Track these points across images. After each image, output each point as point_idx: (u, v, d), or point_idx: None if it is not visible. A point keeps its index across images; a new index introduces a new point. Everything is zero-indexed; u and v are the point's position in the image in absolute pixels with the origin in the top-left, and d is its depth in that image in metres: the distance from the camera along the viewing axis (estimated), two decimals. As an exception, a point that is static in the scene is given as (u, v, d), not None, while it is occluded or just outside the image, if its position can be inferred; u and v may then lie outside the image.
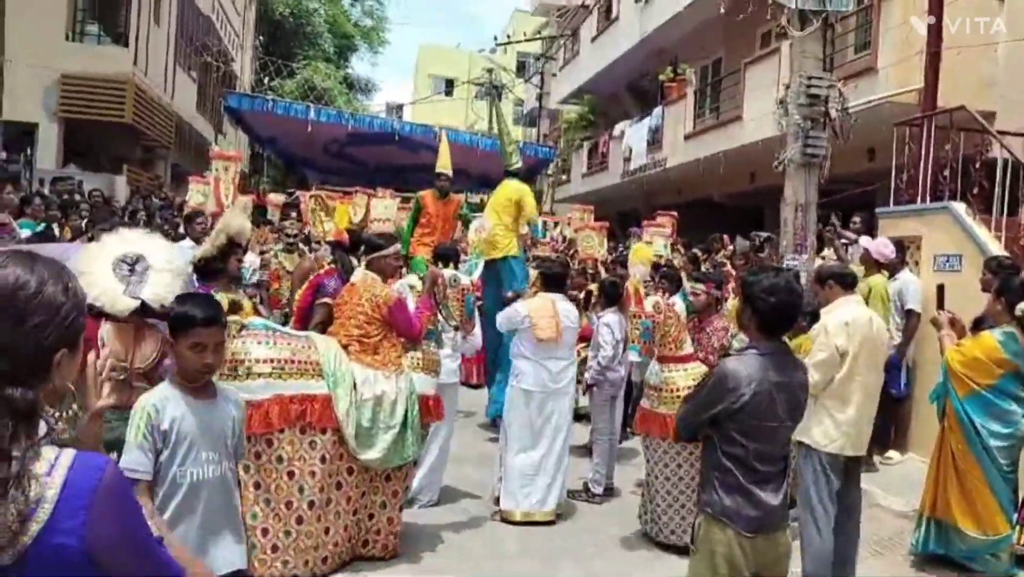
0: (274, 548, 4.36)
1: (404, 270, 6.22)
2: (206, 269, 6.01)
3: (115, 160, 16.96)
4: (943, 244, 7.29)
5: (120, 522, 1.30)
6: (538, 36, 29.26)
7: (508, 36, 32.61)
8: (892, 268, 7.16)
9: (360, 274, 5.05)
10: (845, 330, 4.41)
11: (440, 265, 5.84)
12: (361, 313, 4.77)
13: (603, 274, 8.39)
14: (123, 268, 3.32)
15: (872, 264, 7.09)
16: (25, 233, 7.85)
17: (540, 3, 29.11)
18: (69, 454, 1.30)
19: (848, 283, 4.73)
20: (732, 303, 6.42)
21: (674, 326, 5.21)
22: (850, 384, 4.44)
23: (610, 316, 6.47)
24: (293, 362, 4.46)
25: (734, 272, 8.57)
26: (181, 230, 8.37)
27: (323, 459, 4.48)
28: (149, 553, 1.34)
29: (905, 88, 9.50)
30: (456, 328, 5.46)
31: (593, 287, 8.02)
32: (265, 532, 4.35)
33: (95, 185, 13.80)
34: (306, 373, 4.48)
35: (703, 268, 9.09)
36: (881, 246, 7.12)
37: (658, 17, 17.39)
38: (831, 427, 4.42)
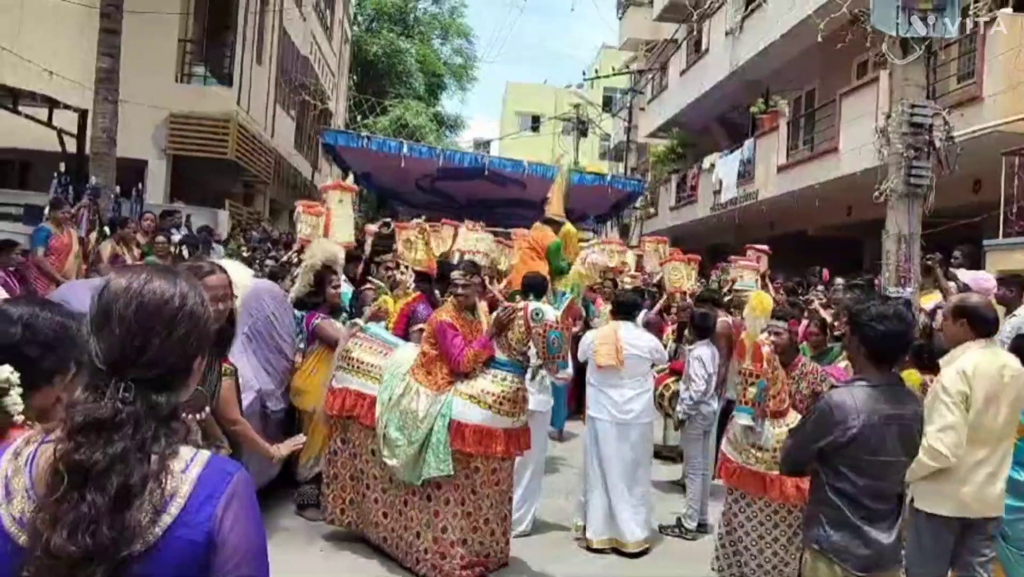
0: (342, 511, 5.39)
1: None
2: (305, 304, 6.30)
3: (218, 195, 17.68)
4: (1058, 278, 6.93)
5: (244, 524, 1.36)
6: (626, 71, 29.31)
7: (596, 71, 32.82)
8: (1008, 304, 6.76)
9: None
10: (963, 381, 3.68)
11: (531, 297, 5.50)
12: (427, 335, 5.14)
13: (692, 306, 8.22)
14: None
15: None
16: None
17: (628, 38, 29.18)
18: (204, 455, 1.39)
19: (983, 326, 3.89)
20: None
21: (780, 379, 4.66)
22: (972, 442, 3.69)
23: (702, 349, 6.37)
24: (363, 363, 5.29)
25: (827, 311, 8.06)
26: (282, 259, 8.56)
27: (373, 452, 5.16)
28: (263, 558, 1.40)
29: (1014, 117, 9.14)
30: (540, 366, 5.07)
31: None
32: (337, 498, 5.40)
33: (200, 218, 14.43)
34: (370, 375, 5.22)
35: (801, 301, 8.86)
36: (980, 280, 6.79)
37: (749, 49, 17.24)
38: (940, 486, 3.72)
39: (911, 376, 5.74)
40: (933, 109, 6.65)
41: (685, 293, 9.38)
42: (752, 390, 4.49)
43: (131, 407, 1.31)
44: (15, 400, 1.66)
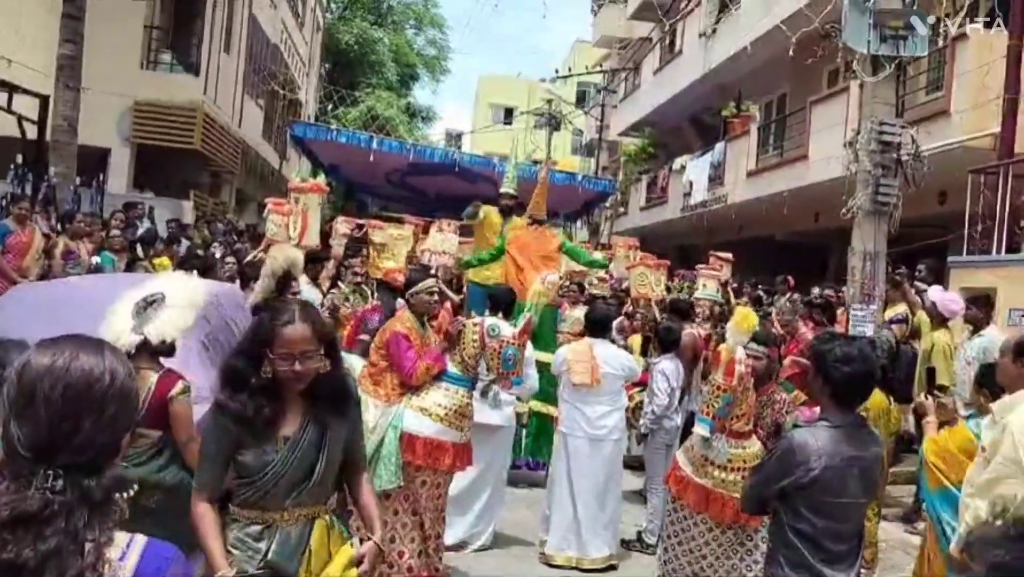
0: None
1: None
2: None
3: (183, 185, 17.38)
4: (1019, 298, 7.00)
5: None
6: (599, 69, 29.32)
7: (569, 68, 32.80)
8: (977, 323, 6.79)
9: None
10: None
11: (499, 314, 5.42)
12: (377, 345, 5.02)
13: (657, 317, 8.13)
14: (140, 305, 3.41)
15: (937, 318, 6.81)
16: (108, 268, 8.07)
17: (602, 36, 29.14)
18: (140, 541, 1.32)
19: None
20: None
21: (748, 400, 4.56)
22: None
23: (666, 363, 6.34)
24: None
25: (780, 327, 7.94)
26: (247, 258, 8.39)
27: None
28: None
29: (980, 133, 9.22)
30: (493, 381, 5.07)
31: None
32: None
33: (163, 209, 14.16)
34: None
35: (767, 311, 8.84)
36: (949, 301, 6.84)
37: (722, 52, 17.29)
38: None
39: (874, 397, 5.75)
40: (901, 127, 6.67)
41: (650, 301, 8.98)
42: (717, 403, 4.45)
43: (62, 496, 1.23)
44: None
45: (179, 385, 3.40)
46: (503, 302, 5.66)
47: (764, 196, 14.73)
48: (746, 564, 4.54)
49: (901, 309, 7.78)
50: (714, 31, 18.01)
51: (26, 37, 14.42)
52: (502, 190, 8.65)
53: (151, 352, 3.40)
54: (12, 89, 12.57)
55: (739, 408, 4.50)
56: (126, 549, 1.29)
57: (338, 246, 9.37)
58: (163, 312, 3.42)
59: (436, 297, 5.20)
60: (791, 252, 16.06)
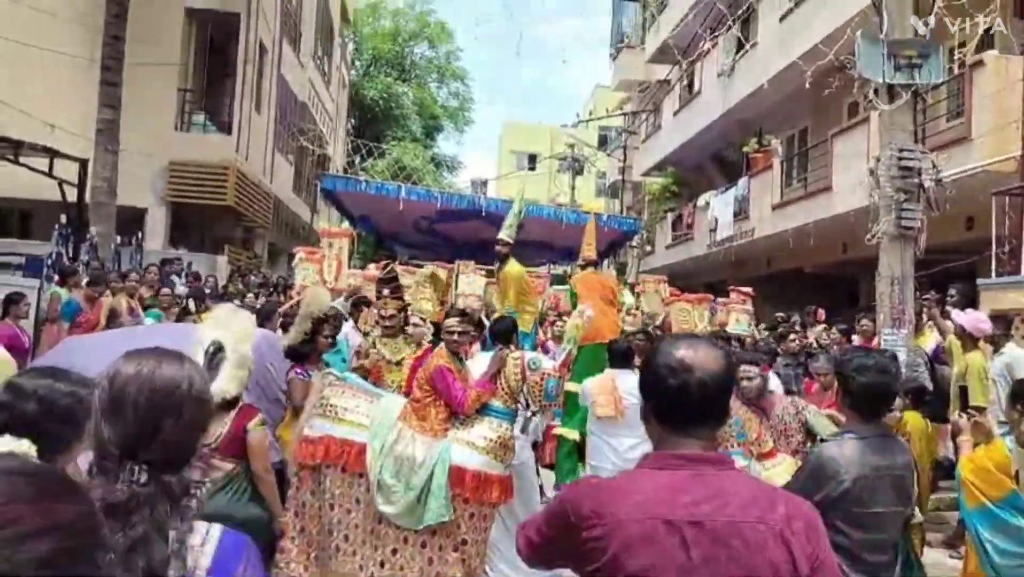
0: (305, 568, 4.90)
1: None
2: (297, 353, 6.22)
3: (217, 240, 17.81)
4: (1051, 317, 6.98)
5: None
6: (620, 112, 29.67)
7: (590, 112, 33.23)
8: (996, 342, 6.85)
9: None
10: None
11: (513, 348, 5.50)
12: (420, 380, 5.13)
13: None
14: (207, 358, 3.60)
15: (968, 340, 6.82)
16: (149, 322, 8.33)
17: (621, 79, 29.55)
18: (217, 528, 1.48)
19: None
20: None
21: (753, 420, 4.65)
22: None
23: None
24: (348, 410, 5.10)
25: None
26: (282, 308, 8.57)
27: (357, 500, 4.95)
28: None
29: (1002, 156, 9.26)
30: (534, 413, 5.22)
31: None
32: (301, 552, 4.95)
33: (199, 264, 14.52)
34: (355, 423, 5.06)
35: (792, 341, 8.86)
36: (976, 320, 6.85)
37: (741, 90, 17.49)
38: None
39: (914, 418, 5.76)
40: (922, 152, 6.77)
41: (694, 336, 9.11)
42: (732, 432, 4.52)
43: (146, 489, 1.37)
44: None
45: (256, 417, 3.58)
46: (506, 334, 5.74)
47: (790, 229, 14.78)
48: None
49: (932, 338, 7.79)
50: (732, 70, 18.24)
51: (65, 103, 15.00)
52: (498, 236, 8.75)
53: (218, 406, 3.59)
54: (53, 154, 13.06)
55: (751, 430, 4.59)
56: (205, 536, 1.45)
57: (368, 290, 9.54)
58: (225, 368, 3.60)
59: (456, 336, 5.31)
60: (820, 284, 16.03)
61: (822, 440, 3.47)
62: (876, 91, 6.82)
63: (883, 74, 6.51)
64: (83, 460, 1.76)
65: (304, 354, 6.23)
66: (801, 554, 1.57)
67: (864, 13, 7.53)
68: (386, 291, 6.83)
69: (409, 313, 7.43)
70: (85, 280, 8.60)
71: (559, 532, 1.72)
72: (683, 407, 1.73)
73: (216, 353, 3.64)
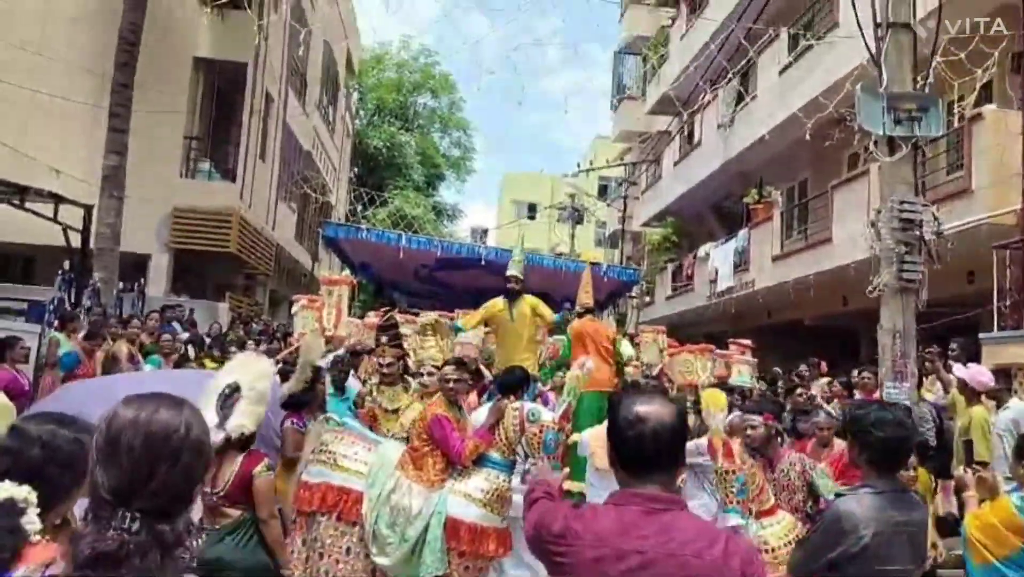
0: None
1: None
2: (296, 402, 6.13)
3: (218, 287, 17.83)
4: (1054, 370, 6.96)
5: None
6: (620, 163, 29.95)
7: (590, 162, 33.52)
8: (998, 396, 6.80)
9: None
10: None
11: (513, 397, 5.39)
12: (418, 429, 5.09)
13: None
14: (220, 400, 3.61)
15: (971, 394, 6.78)
16: (149, 368, 8.30)
17: (621, 130, 29.87)
18: None
19: None
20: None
21: (757, 475, 4.57)
22: None
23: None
24: (346, 457, 5.07)
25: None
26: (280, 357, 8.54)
27: (347, 550, 4.87)
28: None
29: (1002, 209, 9.31)
30: (534, 464, 4.99)
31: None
32: None
33: (200, 311, 14.50)
34: (353, 470, 5.01)
35: (800, 395, 8.77)
36: (977, 374, 6.83)
37: (741, 141, 17.65)
38: None
39: (921, 474, 5.69)
40: (923, 204, 6.78)
41: (696, 387, 8.73)
42: (734, 488, 4.43)
43: (137, 537, 1.34)
44: (32, 519, 1.68)
45: (263, 463, 3.56)
46: (516, 386, 5.62)
47: (790, 280, 14.78)
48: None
49: (933, 392, 7.74)
50: (732, 122, 18.43)
51: (71, 148, 15.14)
52: (507, 273, 8.76)
53: (234, 443, 3.58)
54: (58, 200, 13.14)
55: (754, 486, 4.50)
56: None
57: (367, 339, 9.51)
58: (241, 405, 3.61)
59: (452, 384, 5.26)
60: (821, 336, 15.97)
61: (837, 495, 3.37)
62: (876, 143, 6.86)
63: (883, 126, 6.55)
64: (78, 508, 1.75)
65: (304, 402, 6.18)
66: None
67: (863, 66, 7.62)
68: (384, 339, 6.81)
69: (411, 362, 7.39)
70: (82, 333, 8.55)
71: (532, 539, 2.10)
72: (640, 453, 1.96)
73: (231, 394, 3.66)
